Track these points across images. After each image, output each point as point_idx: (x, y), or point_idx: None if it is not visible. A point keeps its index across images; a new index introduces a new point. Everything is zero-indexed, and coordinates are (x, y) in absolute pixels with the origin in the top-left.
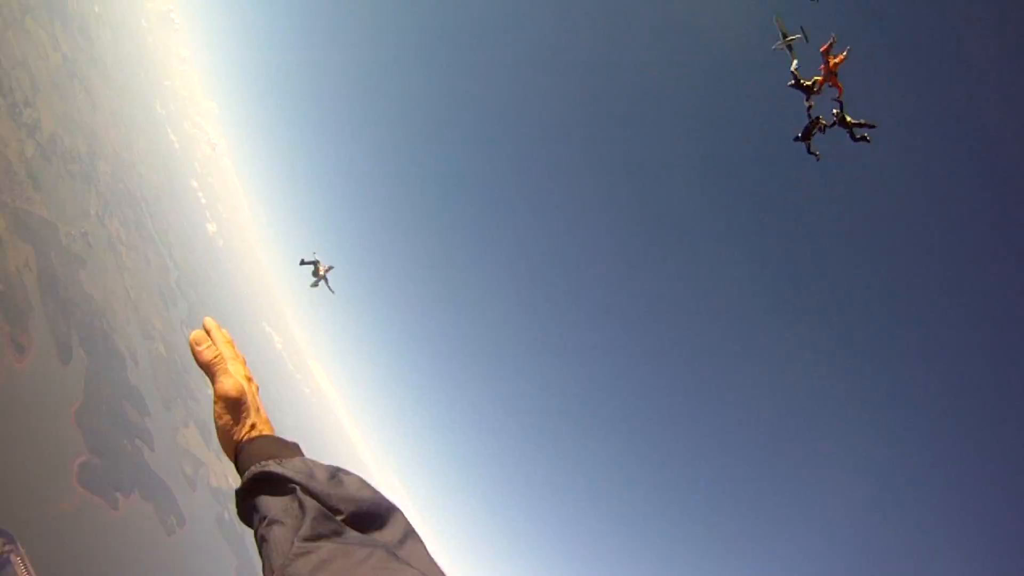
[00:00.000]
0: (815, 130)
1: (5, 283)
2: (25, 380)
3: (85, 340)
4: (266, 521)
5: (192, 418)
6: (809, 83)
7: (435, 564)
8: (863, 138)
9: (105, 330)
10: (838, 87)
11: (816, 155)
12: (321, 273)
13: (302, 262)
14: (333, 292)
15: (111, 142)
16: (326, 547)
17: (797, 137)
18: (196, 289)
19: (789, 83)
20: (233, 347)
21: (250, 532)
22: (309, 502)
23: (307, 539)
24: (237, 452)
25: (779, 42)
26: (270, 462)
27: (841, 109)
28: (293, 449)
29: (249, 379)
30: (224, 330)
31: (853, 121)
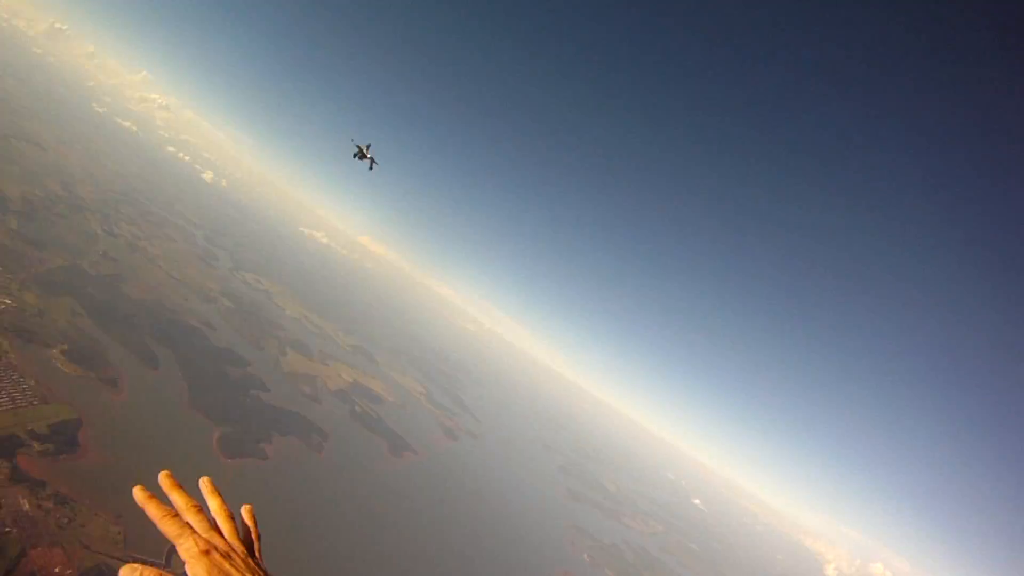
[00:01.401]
0: None
1: (68, 338)
2: (132, 405)
3: (160, 339)
4: None
5: (286, 344)
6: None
7: None
8: None
9: (171, 319)
10: None
11: None
12: (365, 153)
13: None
14: (377, 164)
15: (76, 165)
16: None
17: None
18: (225, 235)
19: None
20: (192, 508)
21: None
22: None
23: None
24: None
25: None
26: None
27: None
28: None
29: (211, 548)
30: (180, 491)
31: None
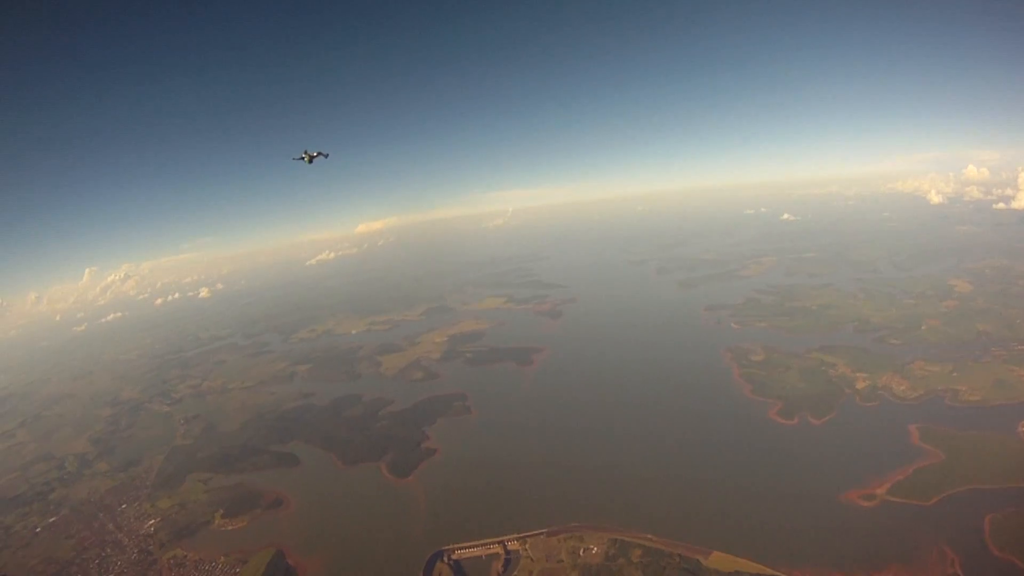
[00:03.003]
0: None
1: (214, 504)
2: (301, 510)
3: (271, 437)
4: None
5: (371, 356)
6: None
7: None
8: None
9: (264, 412)
10: None
11: None
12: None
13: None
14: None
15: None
16: None
17: None
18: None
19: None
20: None
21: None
22: None
23: None
24: None
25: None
26: None
27: None
28: None
29: None
30: None
31: None
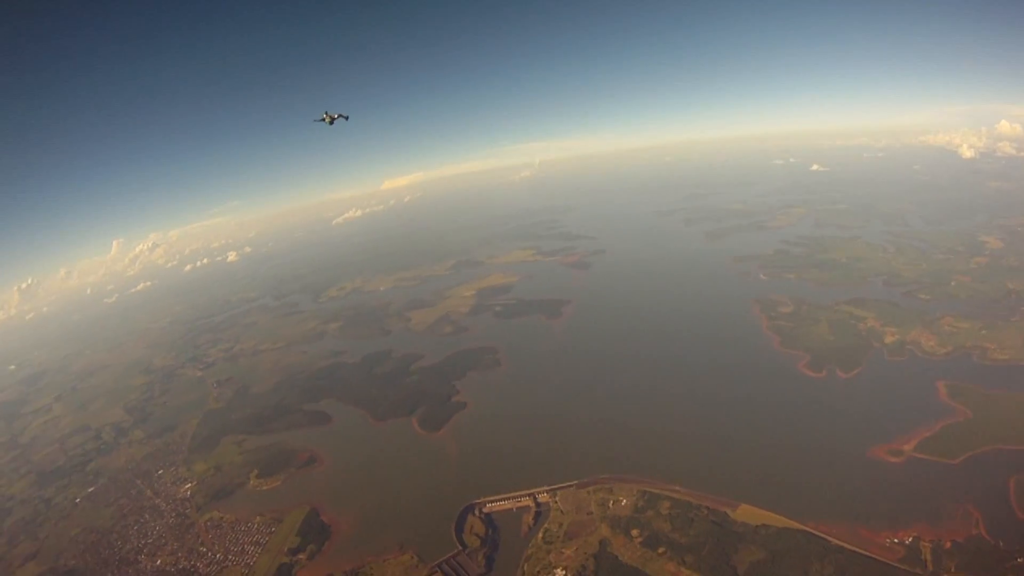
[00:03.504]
0: None
1: (249, 464)
2: (335, 466)
3: (301, 397)
4: None
5: (400, 312)
6: None
7: None
8: None
9: (295, 371)
10: None
11: None
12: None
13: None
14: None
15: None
16: None
17: None
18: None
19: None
20: None
21: None
22: None
23: None
24: None
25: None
26: None
27: None
28: None
29: None
30: None
31: None
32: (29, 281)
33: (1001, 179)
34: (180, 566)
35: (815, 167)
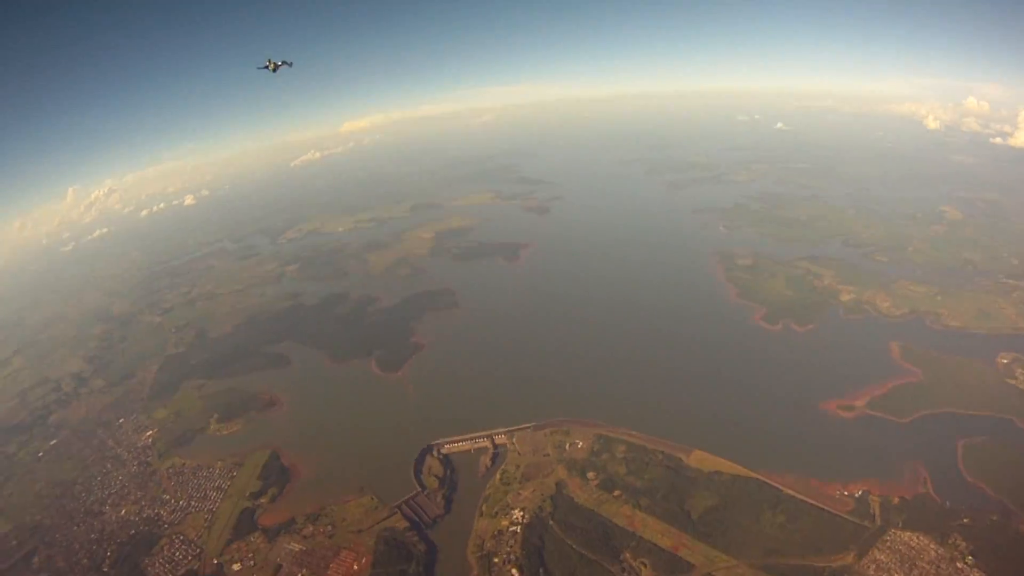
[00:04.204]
0: None
1: (210, 409)
2: (294, 410)
3: (267, 340)
4: None
5: (359, 254)
6: None
7: None
8: None
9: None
10: None
11: None
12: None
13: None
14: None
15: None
16: None
17: None
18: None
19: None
20: None
21: None
22: None
23: None
24: None
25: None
26: None
27: None
28: None
29: None
30: None
31: None
32: None
33: (964, 153)
34: (144, 515)
35: (780, 126)
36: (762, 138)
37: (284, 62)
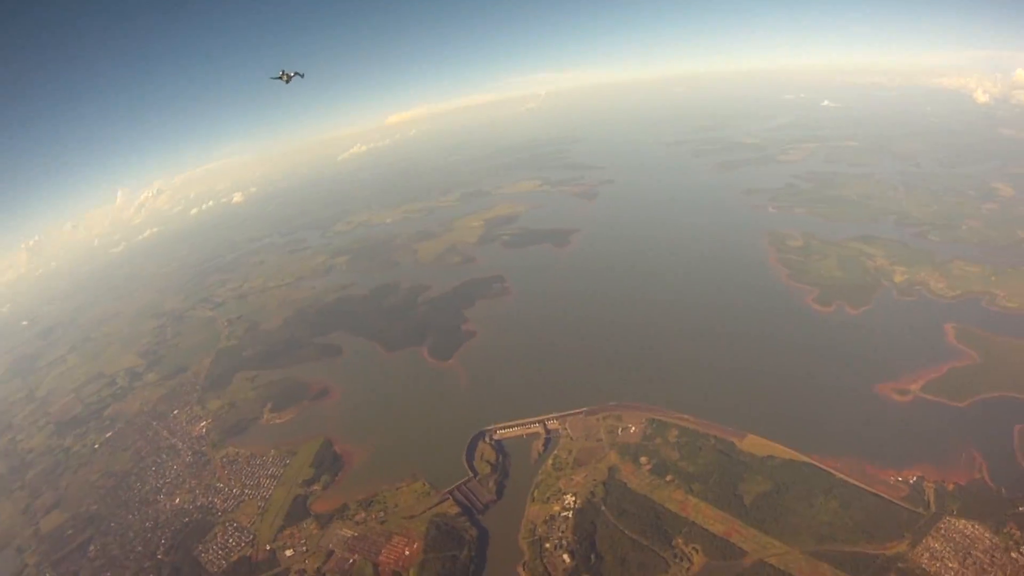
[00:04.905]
0: None
1: (264, 399)
2: (344, 400)
3: (308, 334)
4: None
5: (408, 245)
6: None
7: None
8: None
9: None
10: None
11: None
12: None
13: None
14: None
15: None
16: None
17: None
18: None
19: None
20: None
21: None
22: None
23: None
24: None
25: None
26: None
27: None
28: None
29: None
30: None
31: None
32: (36, 238)
33: (1014, 127)
34: (198, 503)
35: (826, 103)
36: (809, 116)
37: (297, 73)
